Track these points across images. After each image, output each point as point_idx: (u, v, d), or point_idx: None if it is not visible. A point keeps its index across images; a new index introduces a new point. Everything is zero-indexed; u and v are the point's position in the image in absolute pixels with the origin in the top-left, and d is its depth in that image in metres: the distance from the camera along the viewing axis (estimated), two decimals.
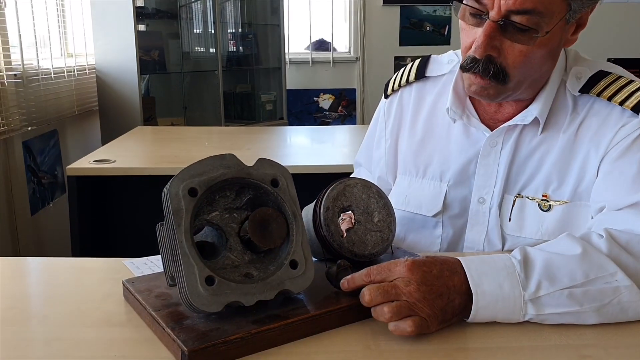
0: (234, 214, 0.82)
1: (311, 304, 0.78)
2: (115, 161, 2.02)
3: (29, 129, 2.61)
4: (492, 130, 1.04)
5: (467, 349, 0.73)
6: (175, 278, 0.75)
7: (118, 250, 2.02)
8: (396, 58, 4.35)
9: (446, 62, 1.13)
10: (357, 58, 4.40)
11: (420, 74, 1.14)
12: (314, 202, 0.92)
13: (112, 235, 2.05)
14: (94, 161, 2.02)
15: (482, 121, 1.05)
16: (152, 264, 1.01)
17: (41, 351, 0.73)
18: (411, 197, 1.13)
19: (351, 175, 1.33)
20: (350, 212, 0.91)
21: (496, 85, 0.93)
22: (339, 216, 0.89)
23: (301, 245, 0.80)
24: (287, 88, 4.13)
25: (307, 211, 0.93)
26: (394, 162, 1.18)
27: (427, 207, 1.10)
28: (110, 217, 2.05)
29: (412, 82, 1.16)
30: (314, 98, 4.44)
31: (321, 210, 0.88)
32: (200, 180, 0.76)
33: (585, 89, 0.99)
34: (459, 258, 0.78)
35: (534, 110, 1.00)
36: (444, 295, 0.74)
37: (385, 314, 0.73)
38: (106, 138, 3.19)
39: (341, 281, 0.79)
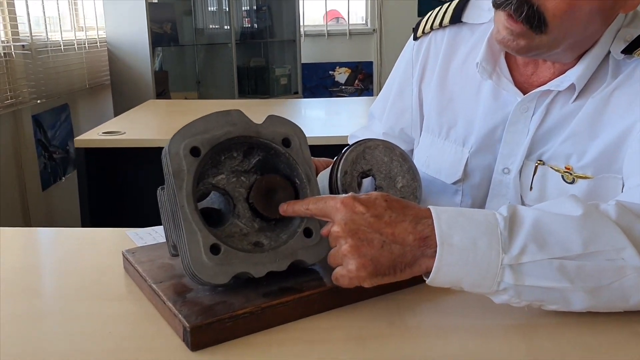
0: (241, 178, 0.74)
1: (328, 275, 0.70)
2: (125, 133, 1.95)
3: (39, 102, 2.55)
4: (524, 95, 0.94)
5: (505, 325, 0.65)
6: (178, 247, 0.68)
7: (128, 223, 1.96)
8: (415, 29, 4.21)
9: (487, 9, 0.98)
10: (374, 30, 4.27)
11: (456, 18, 1.02)
12: (331, 166, 0.84)
13: (122, 208, 1.99)
14: (103, 133, 1.95)
15: (515, 84, 0.95)
16: (156, 234, 0.94)
17: (30, 327, 0.66)
18: (432, 160, 1.03)
19: (362, 127, 1.24)
20: (370, 177, 0.83)
21: (529, 32, 0.82)
22: (359, 181, 0.81)
23: None
24: (302, 62, 4.03)
25: (323, 176, 0.85)
26: (420, 115, 1.08)
27: (447, 173, 1.01)
28: (120, 190, 1.98)
29: (445, 26, 1.03)
30: (330, 72, 4.33)
31: (338, 175, 0.80)
32: (203, 138, 0.69)
33: (629, 50, 0.87)
34: (432, 207, 0.65)
35: (572, 76, 0.89)
36: (374, 242, 0.62)
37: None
38: (119, 113, 3.12)
39: (280, 204, 0.72)
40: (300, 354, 0.60)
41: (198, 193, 0.72)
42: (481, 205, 1.00)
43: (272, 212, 0.72)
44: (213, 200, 0.76)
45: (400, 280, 0.64)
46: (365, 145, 0.82)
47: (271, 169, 0.74)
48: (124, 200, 1.99)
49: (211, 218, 0.75)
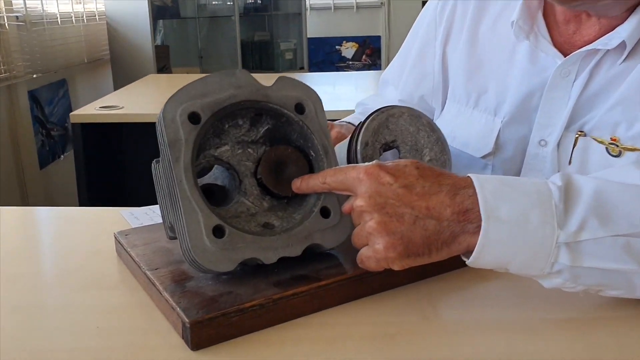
0: (248, 150, 0.64)
1: (348, 261, 0.61)
2: (123, 107, 1.86)
3: (34, 76, 2.45)
4: (565, 57, 0.84)
5: (550, 320, 0.56)
6: (175, 229, 0.59)
7: (128, 202, 1.88)
8: (424, 2, 4.08)
9: None
10: (382, 3, 4.13)
11: None
12: (349, 137, 0.74)
13: (121, 186, 1.91)
14: (100, 107, 1.86)
15: (555, 45, 0.85)
16: (153, 214, 0.85)
17: (4, 320, 0.57)
18: (458, 131, 0.93)
19: (373, 95, 1.14)
20: (394, 149, 0.73)
21: None
22: (381, 154, 0.72)
23: None
24: (308, 36, 3.91)
25: (340, 149, 0.75)
26: (444, 81, 0.98)
27: (476, 146, 0.92)
28: (119, 168, 1.89)
29: None
30: (337, 46, 4.20)
31: (358, 147, 0.71)
32: (203, 102, 0.59)
33: None
34: (472, 175, 0.55)
35: (623, 33, 0.78)
36: (405, 217, 0.53)
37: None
38: (119, 89, 3.03)
39: (293, 180, 0.63)
40: (318, 353, 0.51)
41: (198, 167, 0.62)
42: None
43: (284, 189, 0.63)
44: (216, 175, 0.67)
45: (435, 261, 0.55)
46: (389, 113, 0.72)
47: (282, 139, 0.65)
48: (124, 178, 1.90)
49: (214, 196, 0.66)
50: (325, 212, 0.62)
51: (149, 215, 0.84)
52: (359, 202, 0.55)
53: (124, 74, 3.18)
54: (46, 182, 2.58)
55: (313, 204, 0.62)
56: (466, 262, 0.54)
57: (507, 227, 0.52)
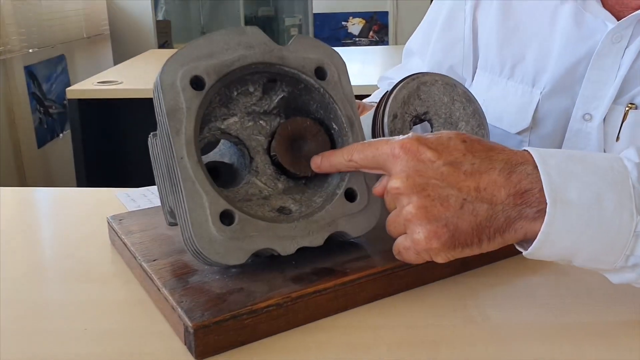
0: (260, 122, 0.55)
1: (378, 252, 0.52)
2: (122, 83, 1.76)
3: (30, 51, 2.35)
4: (617, 20, 0.74)
5: (622, 323, 0.47)
6: (176, 214, 0.50)
7: (127, 181, 1.79)
8: None
9: None
10: None
11: None
12: (374, 108, 0.65)
13: (121, 165, 1.82)
14: (98, 82, 1.76)
15: (605, 5, 0.75)
16: (152, 196, 0.76)
17: None
18: (491, 104, 0.84)
19: (396, 67, 1.04)
20: (425, 121, 0.64)
21: None
22: (411, 127, 0.63)
23: None
24: (314, 11, 3.79)
25: (364, 122, 0.66)
26: (474, 49, 0.88)
27: (511, 121, 0.82)
28: (118, 146, 1.81)
29: None
30: (343, 22, 4.08)
31: (385, 120, 0.62)
32: (208, 65, 0.50)
33: None
34: (530, 149, 0.46)
35: None
36: (450, 200, 0.44)
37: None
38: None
39: (312, 157, 0.54)
40: None
41: (202, 142, 0.54)
42: None
43: (302, 168, 0.54)
44: (222, 151, 0.58)
45: (487, 252, 0.46)
46: (420, 80, 0.63)
47: (299, 109, 0.56)
48: (123, 156, 1.81)
49: (220, 176, 0.57)
50: (350, 195, 0.53)
51: (147, 197, 0.75)
52: (394, 183, 0.46)
53: (124, 50, 3.08)
54: (44, 162, 2.50)
55: (336, 185, 0.53)
56: (523, 253, 0.45)
57: (576, 212, 0.43)
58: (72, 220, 0.70)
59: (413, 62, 0.99)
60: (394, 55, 2.57)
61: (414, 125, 0.63)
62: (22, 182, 2.32)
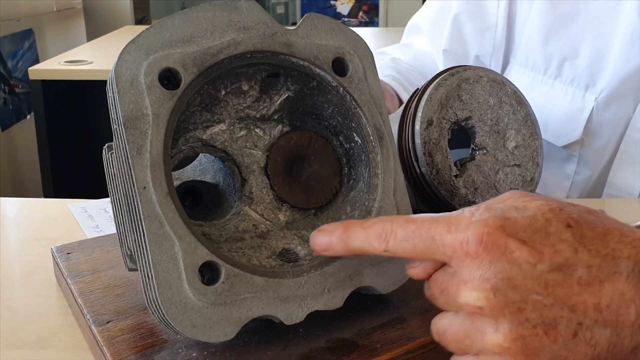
0: (256, 130, 0.41)
1: (415, 313, 0.39)
2: (92, 62, 1.59)
3: None
4: None
5: None
6: (137, 260, 0.35)
7: (96, 170, 1.63)
8: None
9: None
10: None
11: None
12: (402, 109, 0.51)
13: (89, 153, 1.65)
14: (65, 62, 1.59)
15: None
16: None
17: None
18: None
19: (399, 45, 0.89)
20: (468, 129, 0.50)
21: None
22: (449, 136, 0.49)
23: (393, 195, 0.39)
24: None
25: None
26: (508, 39, 0.74)
27: (558, 131, 0.69)
28: (87, 132, 1.64)
29: None
30: (332, 1, 3.91)
31: (416, 128, 0.48)
32: (185, 53, 0.35)
33: None
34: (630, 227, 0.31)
35: None
36: (559, 327, 0.28)
37: None
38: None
39: (317, 232, 0.35)
40: None
41: (176, 159, 0.39)
42: (603, 176, 0.68)
43: (298, 200, 0.40)
44: (204, 166, 0.44)
45: None
46: (461, 76, 0.49)
47: (310, 114, 0.41)
48: (92, 143, 1.64)
49: (200, 201, 0.43)
50: None
51: (109, 212, 0.61)
52: (471, 299, 0.29)
53: (98, 25, 2.89)
54: (10, 146, 2.31)
55: (359, 218, 0.39)
56: None
57: None
58: (10, 245, 0.55)
59: (421, 42, 0.85)
60: (385, 39, 2.42)
61: (451, 131, 0.49)
62: None
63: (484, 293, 0.28)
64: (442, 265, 0.31)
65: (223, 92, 0.39)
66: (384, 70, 0.80)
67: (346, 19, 3.92)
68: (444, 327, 0.31)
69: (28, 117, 2.51)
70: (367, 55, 0.41)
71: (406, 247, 0.31)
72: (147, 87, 0.34)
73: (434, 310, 0.36)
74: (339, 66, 0.40)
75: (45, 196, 1.78)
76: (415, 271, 0.32)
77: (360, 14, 3.91)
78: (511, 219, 0.29)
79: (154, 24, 0.35)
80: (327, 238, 0.34)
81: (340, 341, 0.36)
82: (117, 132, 0.35)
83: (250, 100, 0.40)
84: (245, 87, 0.39)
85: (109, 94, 0.35)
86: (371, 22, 3.90)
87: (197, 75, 0.35)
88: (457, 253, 0.29)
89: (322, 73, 0.39)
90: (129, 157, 0.33)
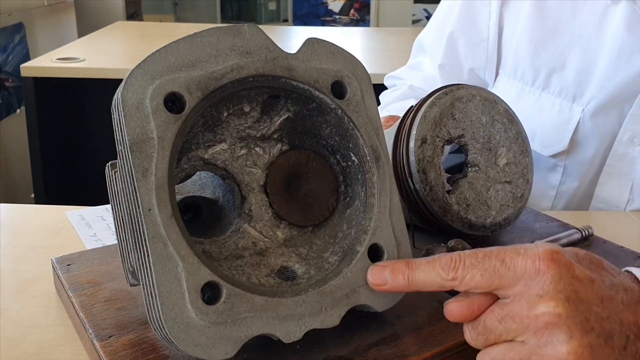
0: (256, 149, 0.42)
1: (409, 330, 0.40)
2: (84, 60, 1.59)
3: None
4: None
5: None
6: (140, 280, 0.36)
7: (88, 171, 1.63)
8: None
9: None
10: None
11: None
12: (396, 126, 0.52)
13: (82, 152, 1.65)
14: (57, 59, 1.59)
15: None
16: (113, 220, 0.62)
17: None
18: (520, 119, 0.72)
19: (407, 67, 0.90)
20: (458, 146, 0.51)
21: None
22: (442, 154, 0.50)
23: (389, 215, 0.41)
24: None
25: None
26: (499, 51, 0.75)
27: (545, 141, 0.71)
28: (79, 130, 1.64)
29: None
30: None
31: (411, 145, 0.49)
32: (190, 78, 0.36)
33: None
34: (634, 270, 0.36)
35: None
36: (614, 337, 0.32)
37: None
38: (83, 37, 2.74)
39: (371, 269, 0.38)
40: None
41: (178, 177, 0.40)
42: (589, 188, 0.70)
43: (295, 217, 0.41)
44: (204, 181, 0.45)
45: None
46: (455, 95, 0.50)
47: (308, 133, 0.43)
48: (84, 141, 1.64)
49: (200, 216, 0.44)
50: (376, 253, 0.40)
51: (107, 220, 0.61)
52: (549, 307, 0.32)
53: (89, 20, 2.87)
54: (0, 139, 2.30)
55: (355, 238, 0.40)
56: None
57: None
58: (7, 253, 0.56)
59: (423, 62, 0.86)
60: (375, 39, 2.43)
61: (444, 148, 0.51)
62: None
63: (560, 302, 0.32)
64: (493, 301, 0.33)
65: (225, 114, 0.40)
66: (407, 100, 0.81)
67: (337, 17, 3.92)
68: (500, 354, 0.33)
69: (18, 111, 2.49)
70: (365, 79, 0.42)
71: (474, 273, 0.33)
72: (152, 111, 0.35)
73: (427, 327, 0.38)
74: (338, 89, 0.41)
75: (35, 192, 1.77)
76: (459, 305, 0.34)
77: (352, 11, 3.92)
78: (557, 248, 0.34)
79: (160, 49, 0.36)
80: (386, 274, 0.36)
81: (337, 359, 0.37)
82: (122, 154, 0.36)
83: (252, 120, 0.41)
84: (246, 109, 0.40)
85: (114, 116, 0.36)
86: (362, 20, 3.91)
87: (201, 99, 0.36)
88: (527, 272, 0.32)
89: (322, 96, 0.40)
90: (134, 179, 0.34)
